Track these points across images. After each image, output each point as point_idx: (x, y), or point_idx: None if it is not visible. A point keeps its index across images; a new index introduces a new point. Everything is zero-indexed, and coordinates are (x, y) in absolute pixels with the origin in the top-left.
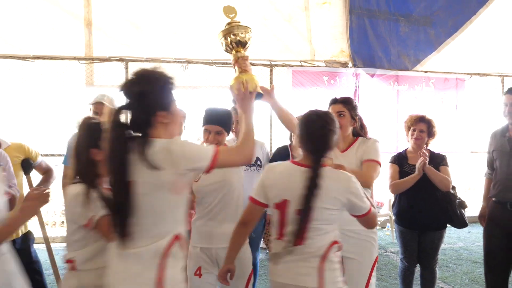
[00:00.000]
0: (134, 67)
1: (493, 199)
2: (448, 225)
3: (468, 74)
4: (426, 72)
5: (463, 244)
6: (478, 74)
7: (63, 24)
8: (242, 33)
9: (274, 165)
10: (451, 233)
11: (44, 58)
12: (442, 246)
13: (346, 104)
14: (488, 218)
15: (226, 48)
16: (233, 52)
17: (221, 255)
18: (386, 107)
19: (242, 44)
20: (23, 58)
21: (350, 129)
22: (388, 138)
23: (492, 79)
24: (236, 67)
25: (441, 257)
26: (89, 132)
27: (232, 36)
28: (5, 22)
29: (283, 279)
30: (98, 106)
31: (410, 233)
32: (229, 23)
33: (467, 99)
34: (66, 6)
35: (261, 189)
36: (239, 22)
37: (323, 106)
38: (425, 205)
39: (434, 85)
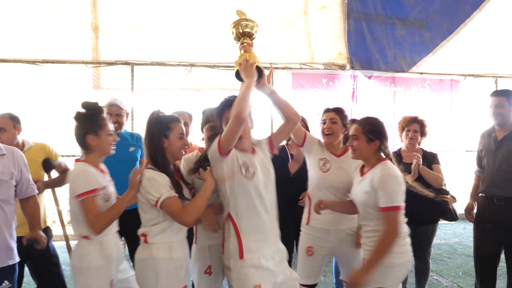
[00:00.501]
0: (139, 71)
1: (482, 194)
2: (444, 221)
3: (462, 75)
4: (421, 73)
5: (458, 239)
6: (472, 75)
7: (71, 29)
8: (250, 24)
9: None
10: (446, 229)
11: (52, 62)
12: (438, 241)
13: (338, 112)
14: (477, 212)
15: (235, 37)
16: (241, 39)
17: None
18: (383, 107)
19: (249, 35)
20: (33, 62)
21: (341, 136)
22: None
23: (486, 80)
24: (242, 51)
25: (436, 251)
26: (160, 124)
27: (241, 25)
28: (15, 28)
29: None
30: (113, 108)
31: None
32: (239, 20)
33: (462, 99)
34: (73, 11)
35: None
36: (251, 22)
37: (322, 107)
38: (418, 201)
39: (430, 86)
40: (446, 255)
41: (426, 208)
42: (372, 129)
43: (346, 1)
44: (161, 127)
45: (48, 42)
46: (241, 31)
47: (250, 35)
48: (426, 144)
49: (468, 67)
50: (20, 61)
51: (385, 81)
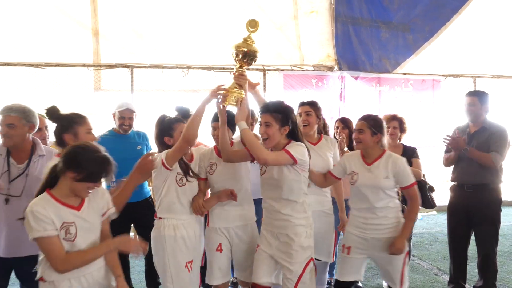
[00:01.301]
0: (139, 73)
1: (454, 183)
2: (427, 213)
3: (443, 75)
4: (405, 74)
5: (439, 228)
6: (452, 75)
7: (72, 33)
8: (250, 59)
9: None
10: (429, 220)
11: (55, 65)
12: (421, 230)
13: (312, 105)
14: (450, 199)
15: (234, 58)
16: (237, 65)
17: (235, 232)
18: (369, 106)
19: (250, 57)
20: (36, 65)
21: (315, 127)
22: None
23: (465, 79)
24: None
25: (419, 239)
26: (164, 125)
27: (240, 55)
28: (19, 32)
29: None
30: (126, 112)
31: None
32: (245, 39)
33: (443, 98)
34: (75, 17)
35: None
36: (253, 42)
37: None
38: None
39: (413, 86)
40: (428, 242)
41: (404, 197)
42: (376, 124)
43: (333, 5)
44: (166, 128)
45: (50, 46)
46: (239, 55)
47: (252, 58)
48: (410, 140)
49: (448, 67)
50: (24, 65)
51: (371, 81)
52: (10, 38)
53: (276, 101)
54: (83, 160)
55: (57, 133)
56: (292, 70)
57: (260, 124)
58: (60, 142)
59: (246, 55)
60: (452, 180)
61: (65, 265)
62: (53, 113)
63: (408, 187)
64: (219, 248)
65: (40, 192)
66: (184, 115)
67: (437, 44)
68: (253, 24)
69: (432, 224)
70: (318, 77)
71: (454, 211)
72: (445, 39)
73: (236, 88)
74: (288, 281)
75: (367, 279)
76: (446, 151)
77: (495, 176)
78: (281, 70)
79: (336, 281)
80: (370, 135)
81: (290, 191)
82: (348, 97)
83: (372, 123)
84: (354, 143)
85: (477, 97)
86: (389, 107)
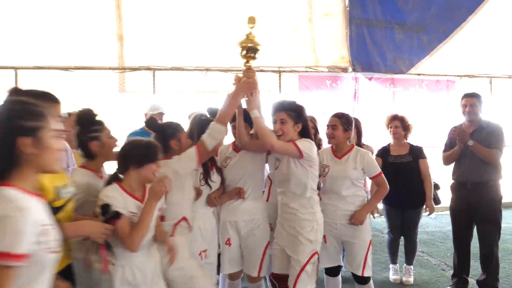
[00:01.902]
0: (160, 75)
1: (456, 181)
2: (441, 212)
3: (458, 76)
4: (419, 74)
5: (450, 227)
6: (468, 75)
7: (99, 38)
8: (253, 53)
9: None
10: (442, 219)
11: (83, 68)
12: (433, 229)
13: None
14: (452, 197)
15: (240, 54)
16: (244, 60)
17: (242, 226)
18: (383, 107)
19: (253, 50)
20: (66, 68)
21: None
22: (385, 135)
23: (480, 80)
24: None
25: (430, 237)
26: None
27: (244, 51)
28: (50, 38)
29: None
30: (158, 115)
31: (394, 211)
32: (247, 35)
33: (458, 99)
34: (101, 23)
35: None
36: (254, 37)
37: (327, 107)
38: (405, 189)
39: (427, 87)
40: (439, 240)
41: (412, 194)
42: (348, 122)
43: (348, 8)
44: (204, 126)
45: (79, 50)
46: (244, 50)
47: (254, 52)
48: (424, 140)
49: (463, 68)
50: (55, 68)
51: (385, 82)
52: (42, 44)
53: (290, 100)
54: (132, 149)
55: (162, 140)
56: (306, 71)
57: (275, 122)
58: (166, 149)
59: (250, 50)
60: (454, 179)
61: (134, 242)
62: (151, 123)
63: (376, 176)
64: (227, 242)
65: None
66: (215, 115)
67: (452, 44)
68: (252, 21)
69: (445, 223)
70: (332, 78)
71: (457, 209)
72: (460, 40)
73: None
74: (293, 269)
75: (375, 272)
76: (445, 150)
77: (495, 172)
78: (296, 71)
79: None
80: (342, 132)
81: (297, 185)
82: (362, 98)
83: (344, 120)
84: (327, 138)
85: (477, 99)
86: (403, 108)
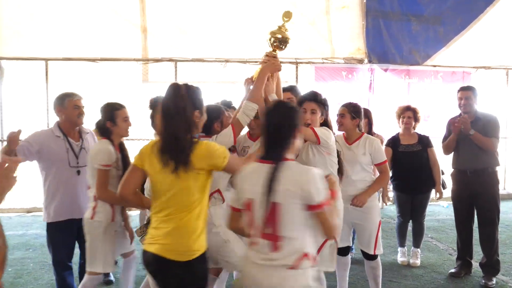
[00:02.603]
0: (182, 66)
1: (456, 169)
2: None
3: (474, 67)
4: (435, 66)
5: None
6: (484, 67)
7: (124, 31)
8: (281, 44)
9: (245, 167)
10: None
11: (109, 59)
12: (444, 217)
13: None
14: (453, 184)
15: (269, 44)
16: (271, 48)
17: None
18: (398, 98)
19: (283, 42)
20: (93, 60)
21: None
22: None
23: (497, 71)
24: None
25: (441, 224)
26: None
27: (273, 39)
28: (78, 31)
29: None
30: None
31: (404, 196)
32: (279, 27)
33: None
34: (125, 16)
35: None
36: (287, 30)
37: (342, 98)
38: (414, 175)
39: (442, 78)
40: (448, 227)
41: (421, 180)
42: (355, 110)
43: (364, 1)
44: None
45: (105, 43)
46: (274, 41)
47: (285, 43)
48: (439, 131)
49: (479, 60)
50: (83, 59)
51: (400, 73)
52: (71, 37)
53: (319, 93)
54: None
55: (207, 122)
56: (323, 63)
57: (305, 111)
58: (209, 130)
59: (280, 41)
60: (454, 167)
61: None
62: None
63: (381, 163)
64: None
65: None
66: (227, 106)
67: (468, 36)
68: (287, 15)
69: None
70: (348, 70)
71: (459, 196)
72: (477, 31)
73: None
74: None
75: (385, 255)
76: (444, 140)
77: (493, 159)
78: (313, 63)
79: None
80: (350, 119)
81: None
82: (377, 89)
83: (351, 109)
84: (337, 126)
85: (471, 92)
86: (418, 99)
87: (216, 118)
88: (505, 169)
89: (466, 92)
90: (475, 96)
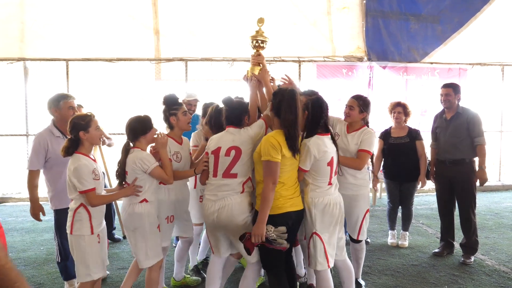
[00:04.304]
0: (192, 65)
1: (438, 159)
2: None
3: (470, 64)
4: (432, 63)
5: None
6: (480, 64)
7: (138, 33)
8: (262, 43)
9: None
10: None
11: (124, 59)
12: (435, 205)
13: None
14: (436, 172)
15: (252, 46)
16: (254, 50)
17: None
18: (396, 94)
19: (262, 43)
20: (109, 60)
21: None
22: None
23: (492, 68)
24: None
25: (432, 212)
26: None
27: (254, 41)
28: (96, 33)
29: None
30: (193, 101)
31: (393, 184)
32: (256, 31)
33: (470, 86)
34: (139, 18)
35: None
36: (263, 32)
37: (343, 94)
38: (403, 165)
39: (439, 75)
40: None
41: (408, 170)
42: (364, 104)
43: (364, 1)
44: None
45: (120, 44)
46: (255, 43)
47: (264, 43)
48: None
49: (475, 56)
50: (101, 60)
51: (398, 70)
52: (89, 39)
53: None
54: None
55: (237, 115)
56: (324, 61)
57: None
58: (239, 122)
59: (259, 42)
60: (437, 157)
61: None
62: (227, 101)
63: (363, 150)
64: None
65: None
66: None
67: (465, 34)
68: (261, 21)
69: None
70: (348, 67)
71: (440, 182)
72: (474, 29)
73: (256, 66)
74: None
75: (377, 238)
76: (432, 131)
77: (470, 151)
78: (315, 61)
79: None
80: (358, 112)
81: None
82: (376, 85)
83: (361, 102)
84: (344, 116)
85: (451, 89)
86: (415, 95)
87: (245, 111)
88: (500, 162)
89: (446, 89)
90: (456, 93)
